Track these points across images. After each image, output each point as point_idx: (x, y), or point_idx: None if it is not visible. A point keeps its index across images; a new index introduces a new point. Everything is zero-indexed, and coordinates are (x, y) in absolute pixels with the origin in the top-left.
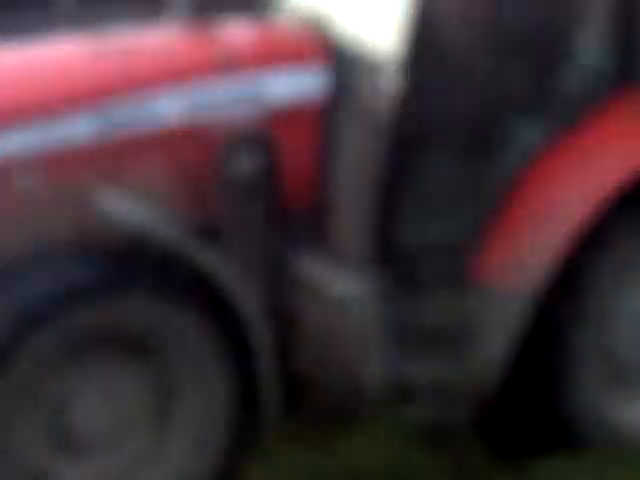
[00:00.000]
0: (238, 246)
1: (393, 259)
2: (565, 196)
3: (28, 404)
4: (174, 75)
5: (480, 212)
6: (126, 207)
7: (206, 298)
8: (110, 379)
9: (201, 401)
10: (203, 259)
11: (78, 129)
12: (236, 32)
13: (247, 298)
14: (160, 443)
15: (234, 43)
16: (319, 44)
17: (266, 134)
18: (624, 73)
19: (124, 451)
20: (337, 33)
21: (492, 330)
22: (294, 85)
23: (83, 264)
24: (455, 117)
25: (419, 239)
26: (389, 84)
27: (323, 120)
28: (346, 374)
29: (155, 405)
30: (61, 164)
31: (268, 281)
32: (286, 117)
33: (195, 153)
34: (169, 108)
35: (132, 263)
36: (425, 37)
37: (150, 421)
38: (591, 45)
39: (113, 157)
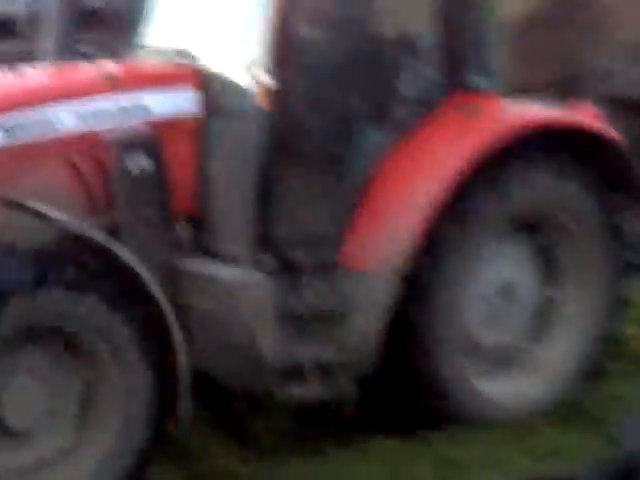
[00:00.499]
0: (134, 244)
1: (272, 251)
2: (412, 188)
3: None
4: (68, 93)
5: (342, 208)
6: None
7: (126, 295)
8: (39, 372)
9: (123, 394)
10: (125, 258)
11: None
12: (117, 63)
13: (163, 297)
14: (83, 436)
15: (117, 70)
16: (187, 70)
17: (149, 141)
18: (453, 83)
19: (49, 443)
20: (202, 62)
21: (364, 309)
22: (169, 101)
23: (8, 264)
24: (314, 130)
25: (293, 233)
26: (255, 102)
27: (199, 132)
28: (241, 358)
29: (80, 398)
30: None
31: (162, 278)
32: (165, 128)
33: (89, 157)
34: (65, 119)
35: (55, 262)
36: (285, 61)
37: (75, 414)
38: (424, 60)
39: (17, 161)
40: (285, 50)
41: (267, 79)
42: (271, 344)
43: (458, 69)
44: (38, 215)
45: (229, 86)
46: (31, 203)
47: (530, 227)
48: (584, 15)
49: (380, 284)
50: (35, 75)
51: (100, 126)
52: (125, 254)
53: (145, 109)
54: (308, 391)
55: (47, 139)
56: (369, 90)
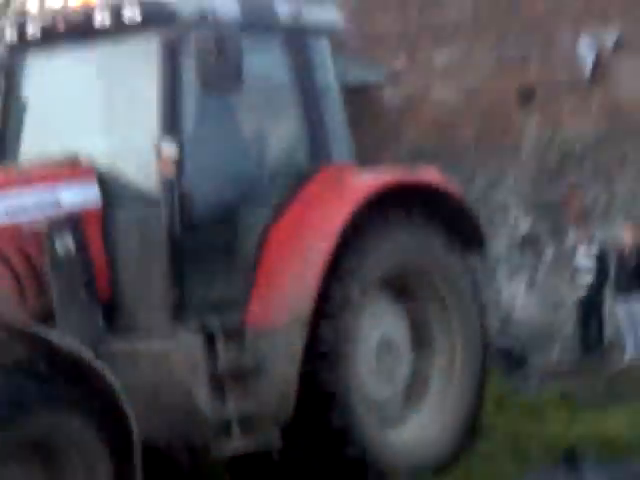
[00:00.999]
0: (70, 326)
1: (186, 321)
2: (300, 250)
3: None
4: None
5: (242, 276)
6: None
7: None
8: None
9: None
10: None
11: None
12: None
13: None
14: None
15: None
16: (85, 169)
17: (69, 228)
18: (321, 156)
19: None
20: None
21: (276, 362)
22: (74, 195)
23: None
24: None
25: (201, 303)
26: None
27: (104, 221)
28: (180, 416)
29: None
30: None
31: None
32: (76, 218)
33: (15, 247)
34: None
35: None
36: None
37: None
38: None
39: None
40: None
41: (169, 150)
42: (205, 398)
43: (323, 149)
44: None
45: (123, 178)
46: None
47: (402, 290)
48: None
49: (288, 337)
50: None
51: (23, 219)
52: (62, 339)
53: (57, 203)
54: (236, 444)
55: None
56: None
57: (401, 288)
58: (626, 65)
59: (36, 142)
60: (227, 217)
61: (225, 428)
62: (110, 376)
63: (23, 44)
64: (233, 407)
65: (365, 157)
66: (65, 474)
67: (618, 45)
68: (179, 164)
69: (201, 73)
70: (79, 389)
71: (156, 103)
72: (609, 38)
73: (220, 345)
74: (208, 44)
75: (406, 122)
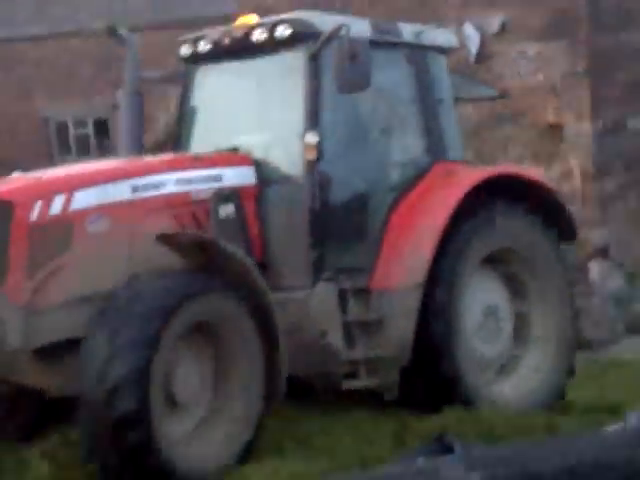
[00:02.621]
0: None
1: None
2: (418, 226)
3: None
4: (173, 166)
5: (368, 248)
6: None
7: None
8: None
9: (246, 373)
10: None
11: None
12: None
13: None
14: (217, 407)
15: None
16: (241, 157)
17: (230, 199)
18: (436, 154)
19: (198, 412)
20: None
21: (395, 317)
22: (235, 175)
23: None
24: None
25: (338, 267)
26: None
27: (257, 197)
28: (316, 356)
29: (215, 377)
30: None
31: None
32: (236, 193)
33: (186, 211)
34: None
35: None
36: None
37: (212, 389)
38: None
39: (141, 210)
40: None
41: (312, 138)
42: (338, 340)
43: (439, 148)
44: (217, 248)
45: (274, 163)
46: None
47: (504, 268)
48: None
49: (406, 297)
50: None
51: (193, 189)
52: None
53: (220, 179)
54: (362, 381)
55: (160, 198)
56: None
57: (503, 266)
58: (509, 50)
59: (205, 138)
60: (358, 198)
61: (353, 367)
62: (260, 276)
63: (196, 58)
64: (360, 351)
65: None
66: (225, 347)
67: (502, 29)
68: (319, 150)
69: (337, 76)
70: (235, 283)
71: (301, 102)
72: (493, 22)
73: (350, 300)
74: (344, 52)
75: None
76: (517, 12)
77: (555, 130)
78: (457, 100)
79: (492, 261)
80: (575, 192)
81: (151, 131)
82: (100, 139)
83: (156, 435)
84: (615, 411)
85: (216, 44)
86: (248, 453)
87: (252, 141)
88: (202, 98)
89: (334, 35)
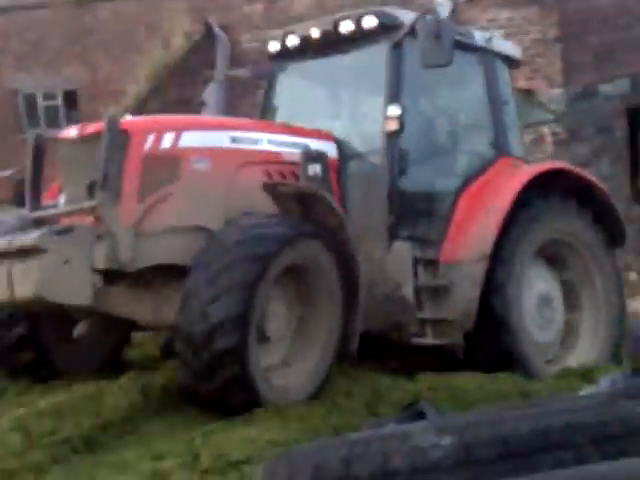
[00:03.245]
0: None
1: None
2: (484, 207)
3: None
4: (267, 128)
5: (438, 223)
6: None
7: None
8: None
9: (328, 317)
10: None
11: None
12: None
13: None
14: (300, 348)
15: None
16: (324, 134)
17: (317, 159)
18: (501, 149)
19: (284, 348)
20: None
21: (462, 286)
22: (320, 146)
23: (285, 225)
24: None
25: (411, 237)
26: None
27: (338, 170)
28: (390, 310)
29: (299, 319)
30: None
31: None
32: (323, 155)
33: (275, 169)
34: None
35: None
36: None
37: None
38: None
39: (239, 159)
40: None
41: (393, 110)
42: (411, 298)
43: (503, 144)
44: (315, 195)
45: (356, 140)
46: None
47: (555, 259)
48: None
49: (472, 269)
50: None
51: (283, 150)
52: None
53: (308, 145)
54: (430, 339)
55: (254, 152)
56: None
57: (554, 257)
58: (480, 17)
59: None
60: (430, 177)
61: (421, 326)
62: (348, 229)
63: (285, 53)
64: (428, 312)
65: None
66: (311, 292)
67: None
68: (401, 122)
69: (423, 52)
70: (326, 233)
71: (384, 86)
72: None
73: (420, 268)
74: (430, 30)
75: None
76: None
77: (527, 96)
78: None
79: (549, 259)
80: (547, 158)
81: None
82: (69, 111)
83: (250, 370)
84: (589, 377)
85: (305, 38)
86: (321, 391)
87: (335, 124)
88: (287, 89)
89: (416, 25)
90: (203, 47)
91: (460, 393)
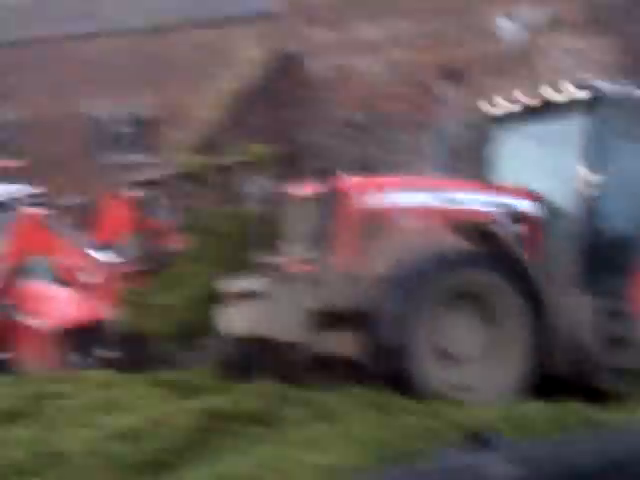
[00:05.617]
0: None
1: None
2: None
3: None
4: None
5: (625, 276)
6: None
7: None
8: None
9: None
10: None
11: None
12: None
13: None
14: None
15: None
16: (534, 194)
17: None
18: None
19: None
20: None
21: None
22: (523, 205)
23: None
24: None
25: (593, 287)
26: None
27: (544, 225)
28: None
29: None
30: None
31: None
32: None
33: (472, 225)
34: (464, 201)
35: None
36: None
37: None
38: None
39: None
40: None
41: (587, 174)
42: (597, 347)
43: None
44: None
45: (557, 201)
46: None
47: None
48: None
49: None
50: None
51: (480, 208)
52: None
53: (509, 206)
54: (606, 385)
55: (455, 211)
56: None
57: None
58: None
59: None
60: (621, 236)
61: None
62: (520, 250)
63: (505, 117)
64: (608, 358)
65: None
66: (491, 313)
67: (552, 23)
68: (594, 187)
69: (629, 128)
70: (505, 264)
71: (587, 153)
72: (540, 17)
73: (601, 316)
74: (635, 110)
75: None
76: (566, 5)
77: None
78: None
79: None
80: None
81: None
82: (137, 137)
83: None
84: None
85: (525, 106)
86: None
87: (542, 186)
88: (504, 150)
89: (622, 101)
90: (275, 75)
91: (527, 422)
